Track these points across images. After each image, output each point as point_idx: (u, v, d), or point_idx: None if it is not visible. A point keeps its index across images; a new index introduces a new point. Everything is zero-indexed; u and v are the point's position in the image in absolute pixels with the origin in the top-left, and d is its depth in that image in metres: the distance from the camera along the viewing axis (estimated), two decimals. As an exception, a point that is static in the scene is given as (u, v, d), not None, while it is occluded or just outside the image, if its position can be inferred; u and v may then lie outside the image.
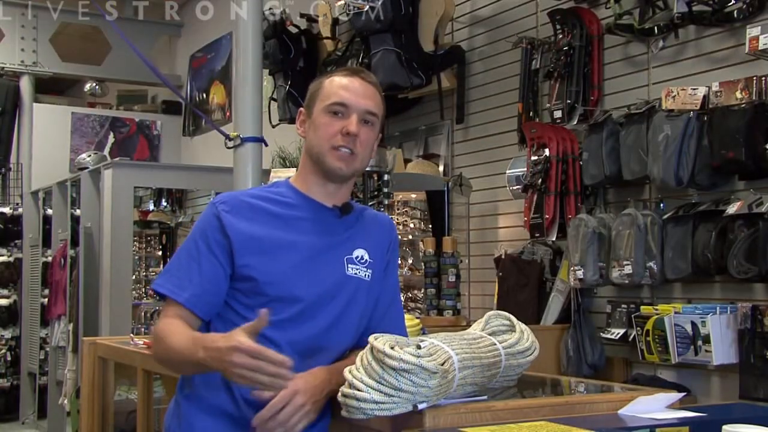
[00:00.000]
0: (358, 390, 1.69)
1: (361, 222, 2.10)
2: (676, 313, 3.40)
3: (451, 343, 1.84)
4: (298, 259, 1.97)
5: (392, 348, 1.69)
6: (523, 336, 2.06)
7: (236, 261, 1.94)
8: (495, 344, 1.99)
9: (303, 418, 1.84)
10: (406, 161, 5.20)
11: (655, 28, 3.80)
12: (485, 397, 1.89)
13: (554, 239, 4.13)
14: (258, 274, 1.94)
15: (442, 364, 1.73)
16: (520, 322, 2.11)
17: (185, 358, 1.86)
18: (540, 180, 4.12)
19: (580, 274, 3.80)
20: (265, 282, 1.94)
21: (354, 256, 2.04)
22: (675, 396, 1.89)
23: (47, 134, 8.55)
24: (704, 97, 3.44)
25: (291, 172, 5.15)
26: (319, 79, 2.11)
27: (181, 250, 2.01)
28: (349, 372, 1.73)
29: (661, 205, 3.69)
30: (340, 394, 1.74)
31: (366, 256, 2.05)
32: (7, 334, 8.04)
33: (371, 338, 1.75)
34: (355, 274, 2.03)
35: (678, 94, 3.51)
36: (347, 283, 2.02)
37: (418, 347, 1.73)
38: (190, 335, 1.88)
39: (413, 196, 5.08)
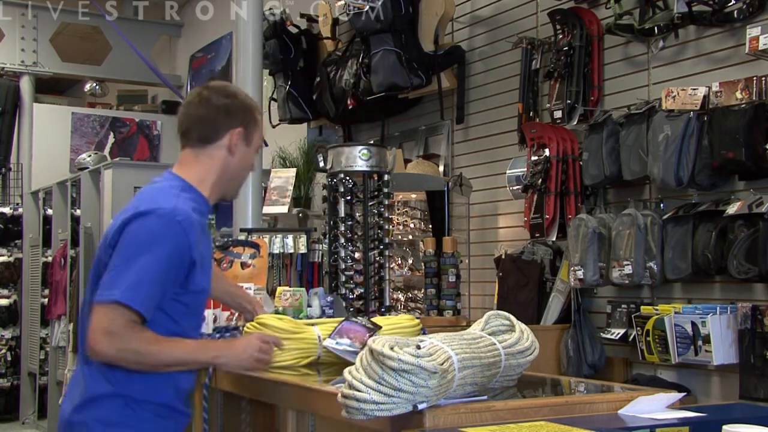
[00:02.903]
0: (358, 391, 1.69)
1: None
2: (676, 313, 3.40)
3: (451, 343, 1.84)
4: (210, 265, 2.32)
5: (391, 348, 1.69)
6: (523, 336, 2.06)
7: (195, 278, 2.16)
8: (495, 344, 1.99)
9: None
10: (406, 161, 5.20)
11: (655, 28, 3.79)
12: (485, 397, 1.89)
13: (554, 239, 4.13)
14: (208, 286, 2.27)
15: (442, 364, 1.73)
16: (519, 322, 2.11)
17: (190, 361, 2.18)
18: (540, 180, 4.11)
19: (580, 274, 3.80)
20: (206, 292, 2.29)
21: None
22: (675, 396, 1.89)
23: (47, 134, 8.55)
24: (704, 97, 3.44)
25: (291, 172, 5.18)
26: (252, 106, 2.33)
27: (148, 264, 2.08)
28: (349, 373, 1.73)
29: (661, 205, 3.69)
30: (340, 395, 1.74)
31: None
32: (7, 334, 8.04)
33: (370, 339, 1.76)
34: None
35: (678, 94, 3.51)
36: None
37: (418, 347, 1.73)
38: (188, 342, 2.18)
39: (413, 196, 5.08)
